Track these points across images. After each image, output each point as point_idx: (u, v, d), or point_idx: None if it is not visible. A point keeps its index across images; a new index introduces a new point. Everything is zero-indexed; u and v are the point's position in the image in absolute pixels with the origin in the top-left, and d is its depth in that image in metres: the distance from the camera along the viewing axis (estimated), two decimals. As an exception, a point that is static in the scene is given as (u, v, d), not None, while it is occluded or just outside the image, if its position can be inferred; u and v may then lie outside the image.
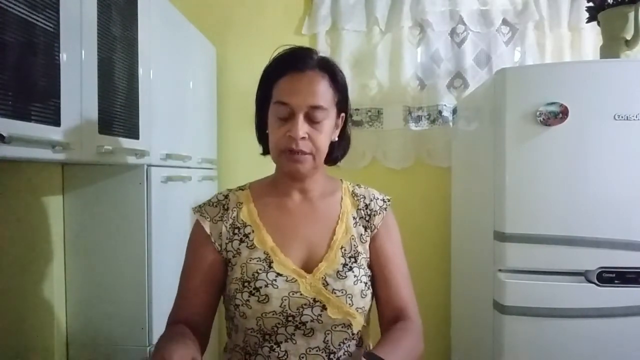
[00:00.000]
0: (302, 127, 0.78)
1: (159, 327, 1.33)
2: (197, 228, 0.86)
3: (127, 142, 1.18)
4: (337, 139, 0.88)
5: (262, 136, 0.88)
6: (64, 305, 1.31)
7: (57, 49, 0.89)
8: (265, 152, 0.90)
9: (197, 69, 1.78)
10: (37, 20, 0.83)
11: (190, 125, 1.68)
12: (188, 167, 1.61)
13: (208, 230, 0.84)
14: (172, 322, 0.83)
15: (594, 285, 1.29)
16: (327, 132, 0.82)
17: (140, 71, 1.25)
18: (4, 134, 0.72)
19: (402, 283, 0.87)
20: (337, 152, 0.90)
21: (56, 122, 0.89)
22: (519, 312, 1.32)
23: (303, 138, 0.78)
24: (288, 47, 0.85)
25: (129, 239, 1.29)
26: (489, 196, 1.41)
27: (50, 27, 0.87)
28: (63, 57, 0.91)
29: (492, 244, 1.39)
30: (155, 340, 1.31)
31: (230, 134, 2.09)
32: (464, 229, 1.82)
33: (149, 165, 1.30)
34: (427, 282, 1.94)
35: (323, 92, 0.80)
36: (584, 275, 1.30)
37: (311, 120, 0.79)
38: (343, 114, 0.88)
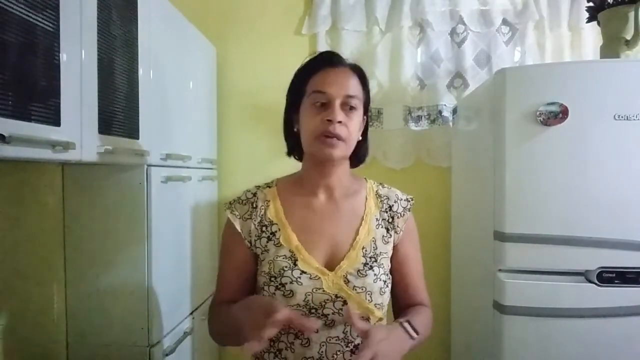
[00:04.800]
0: (339, 112, 0.84)
1: (159, 327, 1.33)
2: (228, 225, 0.91)
3: (127, 142, 1.18)
4: (360, 138, 0.93)
5: (290, 135, 0.93)
6: (64, 305, 1.31)
7: (57, 49, 0.89)
8: (290, 151, 0.96)
9: (197, 69, 1.78)
10: (37, 20, 0.83)
11: (190, 125, 1.68)
12: (188, 167, 1.61)
13: (239, 228, 0.89)
14: (218, 304, 0.91)
15: (594, 285, 1.29)
16: (357, 123, 0.88)
17: (140, 71, 1.25)
18: (4, 134, 0.72)
19: (420, 284, 0.96)
20: (362, 151, 0.95)
21: (56, 122, 0.89)
22: (519, 312, 1.32)
23: (339, 122, 0.83)
24: (317, 52, 0.93)
25: (129, 239, 1.29)
26: (489, 196, 1.41)
27: (50, 27, 0.87)
28: (63, 57, 0.91)
29: (492, 244, 1.39)
30: (155, 340, 1.31)
31: (230, 134, 2.09)
32: (464, 229, 1.82)
33: (149, 165, 1.30)
34: (427, 282, 1.92)
35: (355, 86, 0.88)
36: (584, 275, 1.30)
37: (345, 109, 0.85)
38: (365, 117, 0.94)
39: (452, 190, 1.96)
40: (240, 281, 0.90)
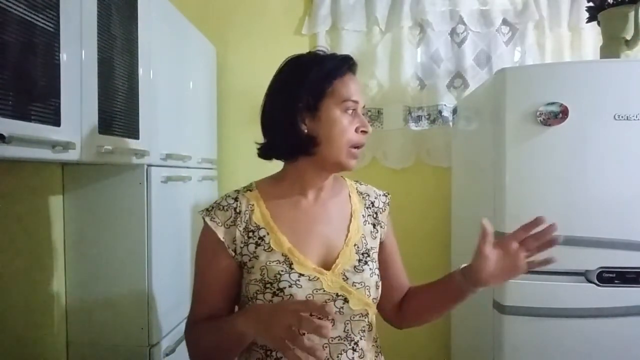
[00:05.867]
0: None
1: (159, 327, 1.33)
2: (208, 233, 0.84)
3: (127, 142, 1.18)
4: None
5: (293, 135, 0.82)
6: (64, 305, 1.31)
7: (57, 49, 0.89)
8: (295, 153, 0.84)
9: (197, 69, 1.78)
10: (37, 20, 0.83)
11: (190, 126, 1.68)
12: (188, 167, 1.61)
13: (221, 236, 0.83)
14: (195, 322, 0.86)
15: (594, 285, 1.29)
16: None
17: (140, 71, 1.25)
18: (4, 134, 0.72)
19: (402, 268, 0.99)
20: None
21: (56, 122, 0.89)
22: (519, 312, 1.32)
23: None
24: (323, 48, 0.91)
25: (129, 239, 1.29)
26: (489, 196, 1.41)
27: (50, 27, 0.87)
28: (63, 57, 0.91)
29: (492, 244, 1.38)
30: (155, 340, 1.31)
31: (230, 134, 2.09)
32: (464, 229, 1.82)
33: (149, 165, 1.30)
34: (427, 281, 1.94)
35: None
36: (584, 275, 1.30)
37: None
38: None
39: (452, 190, 1.96)
40: (224, 293, 0.85)
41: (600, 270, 1.29)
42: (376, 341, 0.91)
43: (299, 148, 0.83)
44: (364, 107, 0.87)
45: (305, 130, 0.82)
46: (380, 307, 0.94)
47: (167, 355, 1.36)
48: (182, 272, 1.56)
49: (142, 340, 1.29)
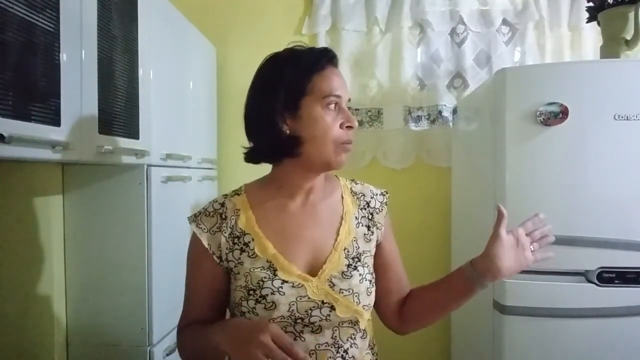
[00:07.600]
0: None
1: (159, 327, 1.33)
2: (194, 240, 0.84)
3: (127, 142, 1.18)
4: None
5: (276, 137, 0.79)
6: (64, 305, 1.31)
7: (57, 49, 0.89)
8: (279, 155, 0.82)
9: (197, 69, 1.78)
10: (37, 20, 0.83)
11: (190, 125, 1.68)
12: (188, 167, 1.61)
13: (206, 243, 0.82)
14: (184, 326, 0.87)
15: (594, 285, 1.29)
16: None
17: (140, 71, 1.25)
18: (4, 134, 0.72)
19: (402, 272, 0.94)
20: None
21: (56, 122, 0.89)
22: (519, 312, 1.32)
23: None
24: (301, 43, 0.85)
25: (129, 239, 1.29)
26: (489, 196, 1.41)
27: (50, 27, 0.87)
28: (63, 57, 0.91)
29: (492, 244, 1.38)
30: (155, 340, 1.31)
31: (230, 134, 2.09)
32: (464, 229, 1.82)
33: (149, 165, 1.30)
34: (427, 281, 1.94)
35: None
36: (584, 275, 1.30)
37: None
38: None
39: (452, 190, 1.96)
40: (210, 300, 0.84)
41: (600, 270, 1.29)
42: (372, 348, 0.87)
43: (282, 150, 0.80)
44: (349, 100, 0.82)
45: (287, 131, 0.79)
46: (379, 312, 0.92)
47: (167, 355, 1.36)
48: (182, 272, 1.55)
49: (142, 340, 1.29)
